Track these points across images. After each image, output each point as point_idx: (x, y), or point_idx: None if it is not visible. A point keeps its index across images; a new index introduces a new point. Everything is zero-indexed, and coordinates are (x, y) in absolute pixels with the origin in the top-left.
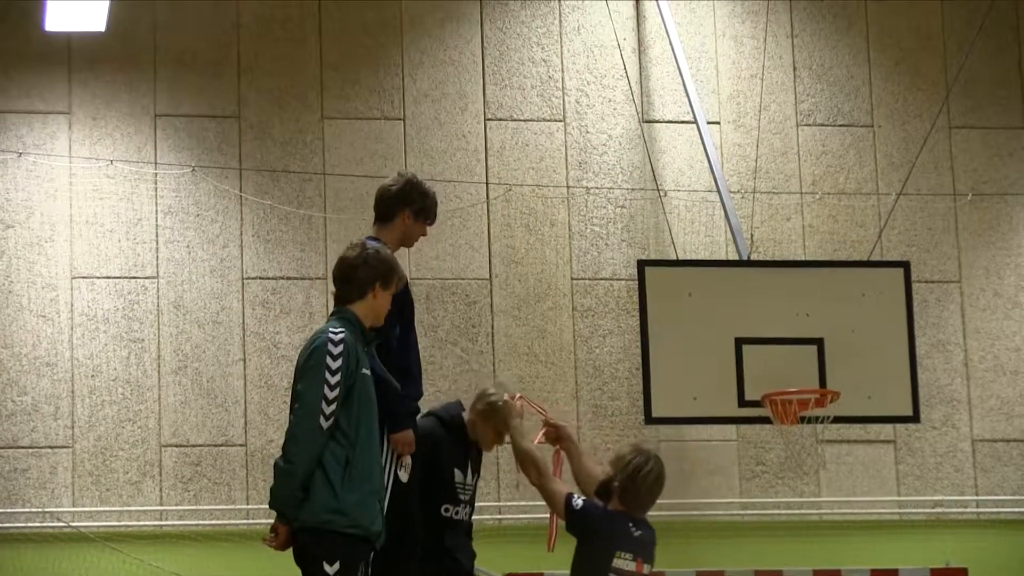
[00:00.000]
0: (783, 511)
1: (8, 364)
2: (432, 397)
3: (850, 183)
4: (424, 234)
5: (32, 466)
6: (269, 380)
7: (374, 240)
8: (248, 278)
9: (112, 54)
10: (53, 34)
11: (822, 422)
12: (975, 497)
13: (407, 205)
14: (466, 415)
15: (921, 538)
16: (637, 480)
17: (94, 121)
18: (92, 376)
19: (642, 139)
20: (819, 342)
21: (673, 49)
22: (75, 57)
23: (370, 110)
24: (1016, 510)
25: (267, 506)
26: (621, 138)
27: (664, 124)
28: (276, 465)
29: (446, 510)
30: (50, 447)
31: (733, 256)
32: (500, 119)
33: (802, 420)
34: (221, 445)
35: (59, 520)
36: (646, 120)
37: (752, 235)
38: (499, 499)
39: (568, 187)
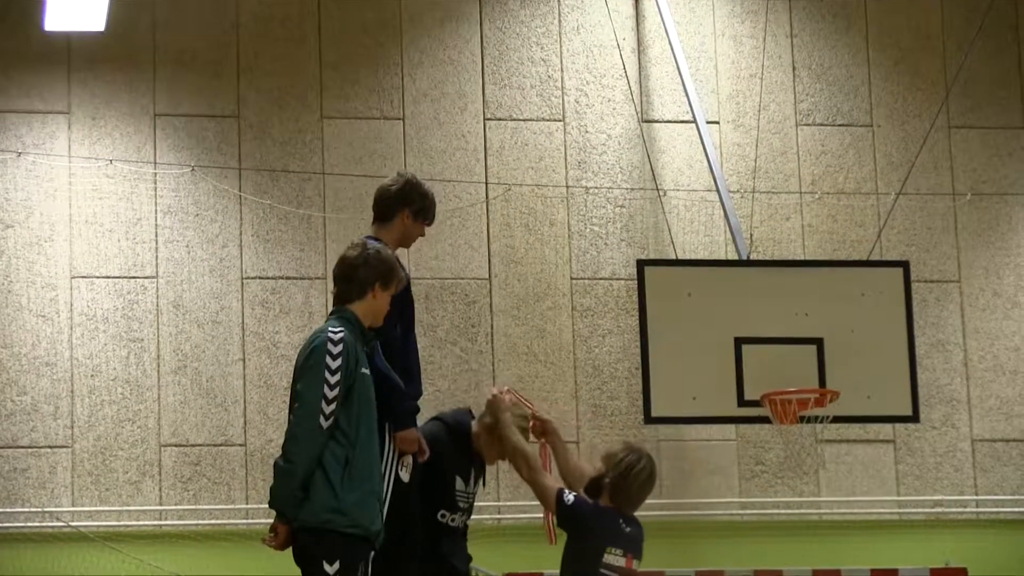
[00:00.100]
0: (783, 511)
1: (7, 364)
2: (432, 397)
3: (849, 183)
4: (423, 234)
5: (31, 466)
6: (268, 380)
7: (375, 240)
8: (247, 278)
9: (111, 54)
10: (52, 34)
11: (821, 422)
12: (975, 497)
13: (406, 205)
14: (474, 424)
15: (921, 538)
16: (629, 478)
17: (93, 121)
18: (91, 376)
19: (641, 139)
20: (818, 342)
21: (672, 49)
22: (74, 57)
23: (369, 110)
24: (1015, 510)
25: (267, 506)
26: (620, 138)
27: (663, 124)
28: (276, 465)
29: (443, 516)
30: (49, 447)
31: (732, 256)
32: (499, 119)
33: (801, 420)
34: (220, 445)
35: (58, 520)
36: (645, 120)
37: (751, 235)
38: (498, 499)
39: (567, 187)
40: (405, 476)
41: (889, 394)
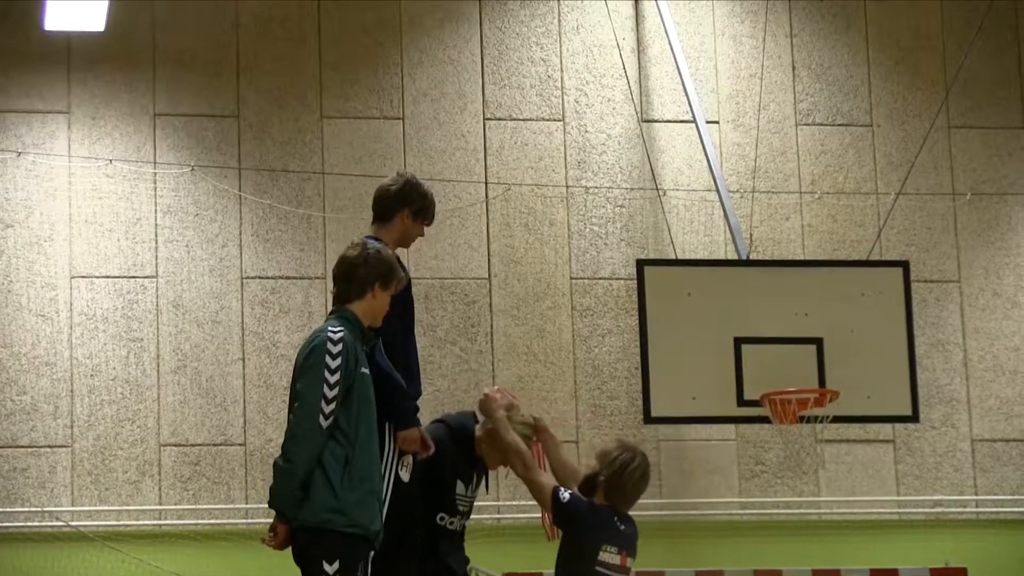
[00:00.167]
0: (782, 511)
1: (7, 363)
2: (431, 397)
3: (849, 183)
4: (422, 234)
5: (31, 465)
6: (268, 379)
7: (374, 240)
8: (247, 277)
9: (111, 54)
10: (52, 33)
11: (821, 422)
12: (974, 497)
13: (406, 205)
14: (478, 429)
15: (920, 538)
16: (623, 476)
17: (93, 120)
18: (91, 375)
19: (641, 138)
20: (818, 342)
21: (672, 48)
22: (74, 57)
23: (369, 109)
24: (1015, 510)
25: (266, 505)
26: (620, 137)
27: (663, 123)
28: (275, 464)
29: (441, 519)
30: (49, 446)
31: (732, 256)
32: (499, 118)
33: (801, 420)
34: (220, 444)
35: (58, 519)
36: (645, 119)
37: (751, 235)
38: (498, 499)
39: (567, 186)
40: (405, 476)
41: (889, 394)
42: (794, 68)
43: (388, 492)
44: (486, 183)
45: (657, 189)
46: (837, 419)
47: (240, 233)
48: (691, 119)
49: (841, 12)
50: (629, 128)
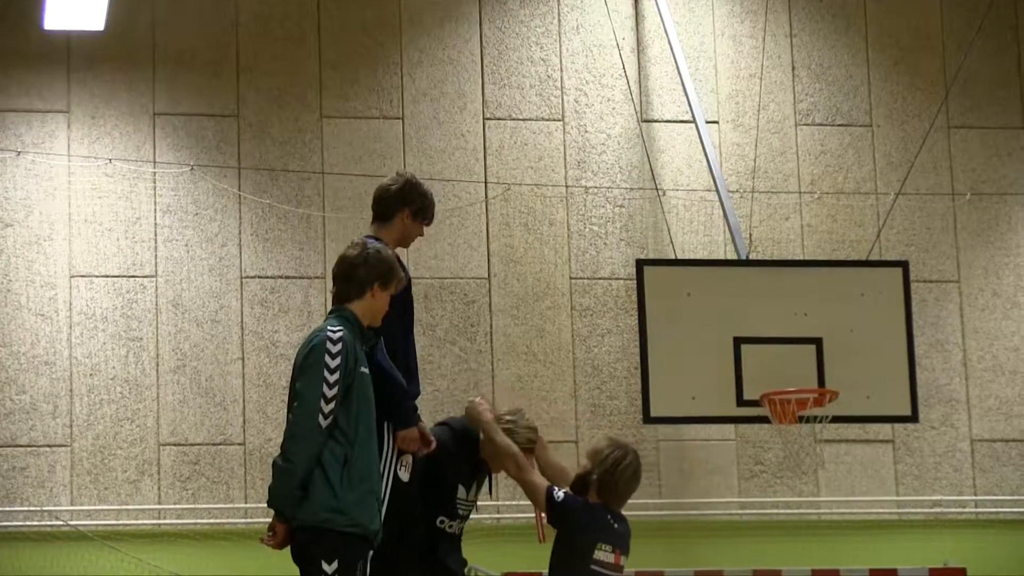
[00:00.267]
0: (782, 511)
1: (7, 363)
2: (431, 396)
3: (849, 183)
4: (421, 234)
5: (30, 465)
6: (268, 379)
7: (374, 239)
8: (247, 277)
9: (111, 53)
10: (52, 33)
11: (821, 422)
12: (974, 497)
13: (406, 205)
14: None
15: (920, 538)
16: (616, 473)
17: (93, 120)
18: (90, 375)
19: (641, 138)
20: (818, 342)
21: (672, 48)
22: (74, 56)
23: (369, 109)
24: (1015, 510)
25: (265, 505)
26: (620, 137)
27: (663, 123)
28: (275, 464)
29: (441, 522)
30: (48, 446)
31: (732, 256)
32: (499, 118)
33: (801, 420)
34: (219, 444)
35: (57, 519)
36: (645, 119)
37: (751, 235)
38: (497, 499)
39: (567, 186)
40: (404, 475)
41: (888, 394)
42: (794, 68)
43: (387, 492)
44: (485, 183)
45: (657, 189)
46: (836, 419)
47: (240, 233)
48: (691, 119)
49: (841, 12)
50: (629, 128)
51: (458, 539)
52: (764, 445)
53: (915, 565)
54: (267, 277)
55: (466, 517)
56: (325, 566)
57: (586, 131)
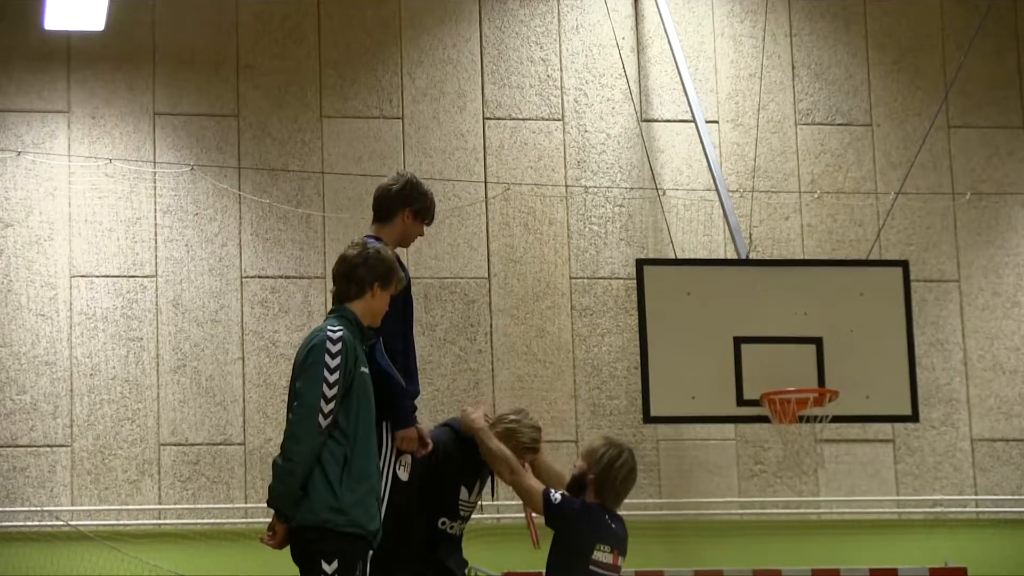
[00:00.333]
0: (782, 510)
1: (7, 363)
2: (431, 396)
3: (849, 182)
4: (422, 234)
5: (31, 465)
6: (268, 379)
7: (375, 239)
8: (247, 277)
9: (111, 53)
10: (52, 32)
11: (821, 421)
12: (974, 497)
13: (408, 204)
14: None
15: (920, 538)
16: (612, 472)
17: (93, 120)
18: (91, 375)
19: (641, 138)
20: (818, 341)
21: (672, 48)
22: (74, 56)
23: (369, 109)
24: (1015, 510)
25: (265, 504)
26: (620, 137)
27: (663, 123)
28: (275, 463)
29: (443, 523)
30: (49, 446)
31: (732, 255)
32: (499, 118)
33: (801, 419)
34: (220, 444)
35: (58, 519)
36: (645, 119)
37: (751, 234)
38: (497, 499)
39: (567, 186)
40: (403, 475)
41: (888, 394)
42: (794, 68)
43: (386, 491)
44: (485, 183)
45: (657, 189)
46: (837, 419)
47: (240, 232)
48: (691, 119)
49: (841, 12)
50: (629, 128)
51: (459, 540)
52: (764, 445)
53: (915, 565)
54: (267, 277)
55: (467, 518)
56: (325, 566)
57: (586, 131)
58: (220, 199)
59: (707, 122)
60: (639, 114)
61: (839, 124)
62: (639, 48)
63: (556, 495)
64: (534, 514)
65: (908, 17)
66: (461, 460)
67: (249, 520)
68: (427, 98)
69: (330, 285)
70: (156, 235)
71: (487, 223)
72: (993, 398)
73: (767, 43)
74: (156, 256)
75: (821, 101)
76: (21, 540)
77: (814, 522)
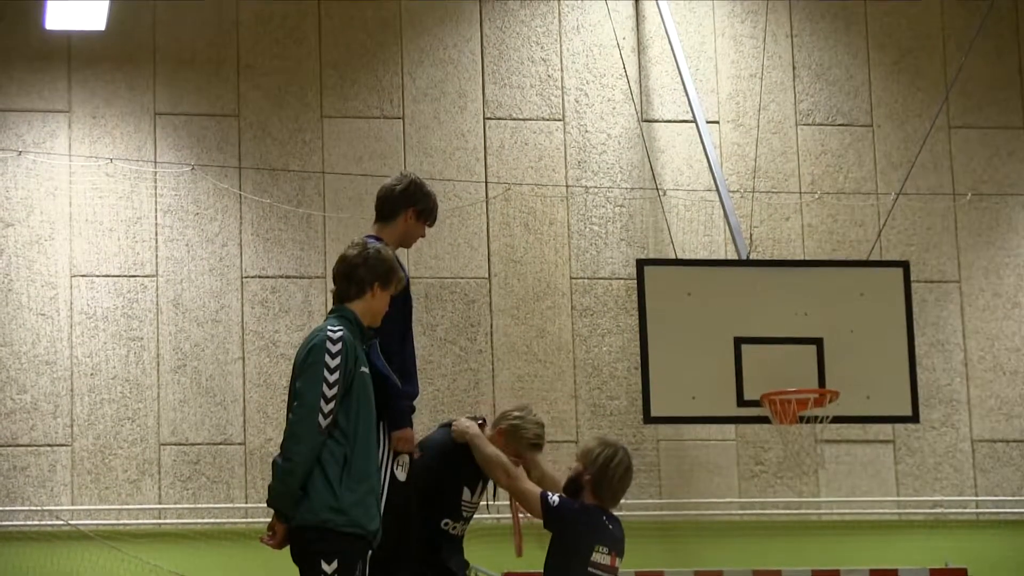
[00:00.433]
0: (782, 511)
1: (7, 362)
2: (431, 396)
3: (849, 183)
4: (423, 235)
5: (31, 464)
6: (268, 379)
7: (375, 239)
8: (247, 277)
9: (112, 52)
10: (53, 32)
11: (821, 422)
12: (974, 497)
13: (411, 205)
14: (487, 431)
15: (920, 538)
16: (608, 471)
17: (94, 119)
18: (91, 374)
19: (641, 138)
20: (818, 342)
21: (672, 48)
22: (75, 55)
23: (369, 109)
24: (1015, 510)
25: (265, 504)
26: (620, 137)
27: (663, 123)
28: (275, 463)
29: (446, 524)
30: (49, 445)
31: (732, 256)
32: (499, 118)
33: (801, 420)
34: (220, 443)
35: (58, 518)
36: (645, 119)
37: (751, 235)
38: (498, 499)
39: (567, 186)
40: (401, 475)
41: (889, 394)
42: (794, 68)
43: (384, 491)
44: (486, 183)
45: (657, 189)
46: (837, 419)
47: (240, 232)
48: (691, 119)
49: (841, 12)
50: (629, 128)
51: (461, 540)
52: (764, 445)
53: (916, 566)
54: (267, 277)
55: (469, 519)
56: (324, 566)
57: (586, 131)
58: (221, 199)
59: (708, 122)
60: (640, 114)
61: (840, 125)
62: (640, 48)
63: (554, 498)
64: (521, 515)
65: (908, 18)
66: (464, 459)
67: (249, 520)
68: (428, 98)
69: (330, 285)
70: (157, 235)
71: (488, 223)
72: (993, 399)
73: (768, 43)
74: (157, 256)
75: (822, 102)
76: (21, 540)
77: (814, 523)
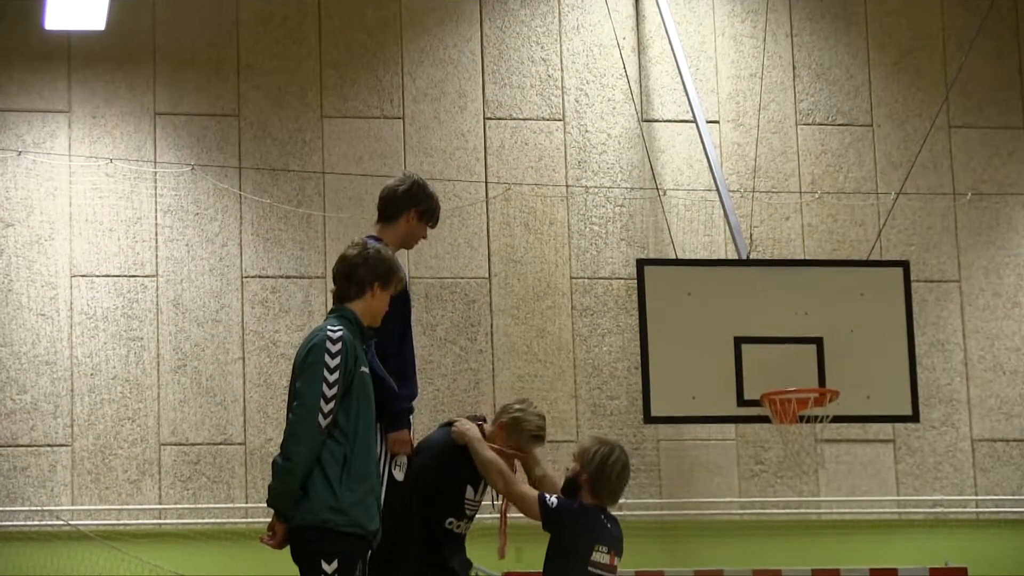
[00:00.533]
0: (782, 510)
1: (7, 362)
2: (431, 396)
3: (849, 182)
4: (425, 236)
5: (31, 464)
6: (268, 379)
7: (375, 239)
8: (247, 277)
9: (112, 52)
10: (53, 32)
11: (821, 421)
12: (974, 497)
13: (414, 205)
14: (488, 428)
15: (920, 538)
16: (606, 470)
17: (94, 119)
18: (91, 374)
19: (641, 138)
20: (818, 341)
21: (672, 48)
22: (75, 55)
23: (369, 109)
24: (1015, 510)
25: (265, 504)
26: (620, 137)
27: (663, 123)
28: (275, 463)
29: (450, 523)
30: (49, 445)
31: (732, 255)
32: (499, 118)
33: (801, 419)
34: (220, 443)
35: (58, 518)
36: (645, 119)
37: (751, 234)
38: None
39: (567, 186)
40: (399, 475)
41: (889, 394)
42: (794, 68)
43: (383, 492)
44: (486, 182)
45: (657, 189)
46: (837, 419)
47: (240, 232)
48: (691, 119)
49: (841, 12)
50: (629, 128)
51: (463, 539)
52: (764, 445)
53: (916, 565)
54: (268, 277)
55: (473, 516)
56: (324, 566)
57: (587, 131)
58: (221, 199)
59: (708, 122)
60: (640, 114)
61: (840, 124)
62: (640, 48)
63: (552, 499)
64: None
65: (908, 18)
66: (465, 458)
67: (249, 520)
68: (428, 98)
69: (330, 285)
70: (157, 235)
71: (488, 223)
72: (993, 398)
73: (768, 43)
74: (157, 256)
75: (822, 101)
76: (21, 540)
77: (814, 522)
